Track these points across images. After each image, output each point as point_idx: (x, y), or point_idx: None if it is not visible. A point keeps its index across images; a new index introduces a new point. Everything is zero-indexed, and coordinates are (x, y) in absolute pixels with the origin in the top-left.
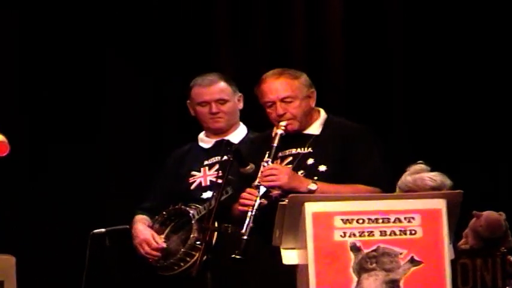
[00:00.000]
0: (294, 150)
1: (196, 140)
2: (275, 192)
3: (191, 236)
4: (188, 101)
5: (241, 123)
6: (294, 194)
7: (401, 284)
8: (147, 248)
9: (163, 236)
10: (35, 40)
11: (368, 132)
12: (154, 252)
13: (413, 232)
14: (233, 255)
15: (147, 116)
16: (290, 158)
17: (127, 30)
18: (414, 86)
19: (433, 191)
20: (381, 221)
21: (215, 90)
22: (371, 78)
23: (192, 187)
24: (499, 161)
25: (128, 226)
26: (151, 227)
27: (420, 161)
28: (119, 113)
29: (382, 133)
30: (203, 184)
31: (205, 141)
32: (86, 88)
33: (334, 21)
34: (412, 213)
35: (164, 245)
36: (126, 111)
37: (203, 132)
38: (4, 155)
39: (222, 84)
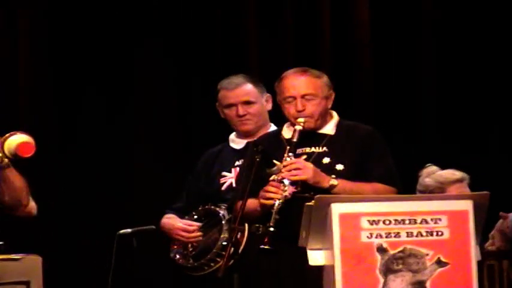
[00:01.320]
0: (308, 149)
1: (227, 140)
2: (291, 189)
3: (221, 236)
4: (217, 104)
5: (271, 124)
6: (321, 195)
7: (427, 285)
8: (186, 234)
9: (197, 231)
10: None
11: (380, 134)
12: (195, 234)
13: (440, 233)
14: (261, 246)
15: (176, 116)
16: (304, 157)
17: (158, 23)
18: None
19: (458, 183)
20: (407, 222)
21: (241, 93)
22: (398, 80)
23: (223, 188)
24: None
25: (154, 227)
26: None
27: (429, 164)
28: (148, 113)
29: (408, 134)
30: (234, 185)
31: (236, 142)
32: (114, 83)
33: (361, 24)
34: (439, 215)
35: (199, 224)
36: (155, 110)
37: (234, 133)
38: (29, 155)
39: (248, 86)
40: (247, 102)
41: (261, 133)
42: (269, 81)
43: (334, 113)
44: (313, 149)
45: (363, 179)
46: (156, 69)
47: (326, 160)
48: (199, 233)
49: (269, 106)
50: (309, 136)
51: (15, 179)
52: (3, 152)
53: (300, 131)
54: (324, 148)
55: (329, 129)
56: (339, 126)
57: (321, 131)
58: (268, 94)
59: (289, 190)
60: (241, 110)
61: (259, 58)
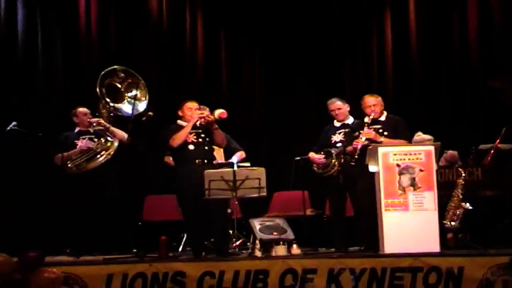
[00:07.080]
0: (374, 127)
1: (332, 123)
2: (365, 142)
3: (333, 161)
4: (328, 108)
5: (350, 116)
6: (375, 144)
7: (416, 179)
8: (317, 161)
9: (323, 158)
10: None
11: (403, 120)
12: (323, 162)
13: (421, 159)
14: (351, 163)
15: (307, 109)
16: (372, 129)
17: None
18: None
19: (429, 141)
20: (408, 154)
21: (335, 105)
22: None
23: (332, 142)
24: (462, 129)
25: (306, 156)
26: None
27: (419, 131)
28: (305, 107)
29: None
30: (337, 141)
31: (336, 124)
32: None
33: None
34: (421, 151)
35: (324, 160)
36: (310, 104)
37: (335, 120)
38: (225, 117)
39: (338, 102)
40: (339, 108)
41: (346, 120)
42: (354, 99)
43: (385, 111)
44: (376, 126)
45: (396, 138)
46: (307, 91)
47: (380, 131)
48: (323, 161)
49: (348, 108)
50: (375, 121)
51: (220, 134)
52: (214, 117)
53: (372, 119)
54: (380, 126)
55: (382, 118)
56: (387, 117)
57: (380, 119)
58: (347, 104)
59: (364, 143)
60: (337, 112)
61: (350, 85)
